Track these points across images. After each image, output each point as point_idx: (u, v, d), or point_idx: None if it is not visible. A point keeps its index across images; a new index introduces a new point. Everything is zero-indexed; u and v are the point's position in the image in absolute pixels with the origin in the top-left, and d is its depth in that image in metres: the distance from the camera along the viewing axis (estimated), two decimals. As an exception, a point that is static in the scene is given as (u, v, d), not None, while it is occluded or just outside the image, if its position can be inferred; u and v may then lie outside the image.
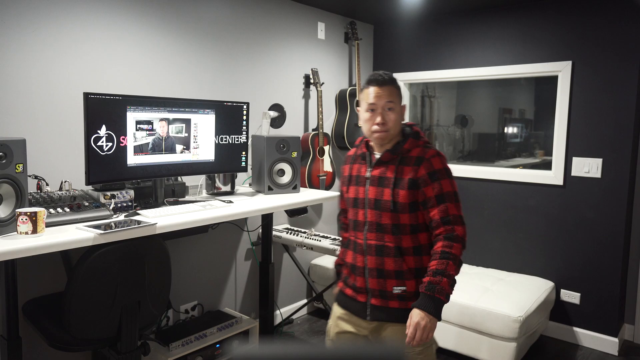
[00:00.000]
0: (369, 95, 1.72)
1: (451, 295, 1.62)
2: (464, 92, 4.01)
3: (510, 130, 3.80)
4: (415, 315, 1.58)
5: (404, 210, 1.67)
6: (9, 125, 2.14)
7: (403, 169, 1.69)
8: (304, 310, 3.73)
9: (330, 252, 2.94)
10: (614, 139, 3.11)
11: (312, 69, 3.53)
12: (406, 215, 1.67)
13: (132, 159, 2.22)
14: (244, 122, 2.70)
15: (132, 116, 2.19)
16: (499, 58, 3.54)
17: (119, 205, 2.17)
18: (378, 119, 1.70)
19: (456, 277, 1.64)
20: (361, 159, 1.81)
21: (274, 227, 3.23)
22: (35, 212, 1.69)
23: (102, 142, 2.09)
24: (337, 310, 1.86)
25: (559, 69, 3.26)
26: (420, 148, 1.72)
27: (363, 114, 1.75)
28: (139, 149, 2.24)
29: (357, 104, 1.80)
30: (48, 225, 1.81)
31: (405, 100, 4.13)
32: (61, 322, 1.84)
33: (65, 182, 2.16)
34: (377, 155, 1.76)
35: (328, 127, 3.79)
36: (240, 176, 3.13)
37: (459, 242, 1.65)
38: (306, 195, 2.72)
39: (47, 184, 2.14)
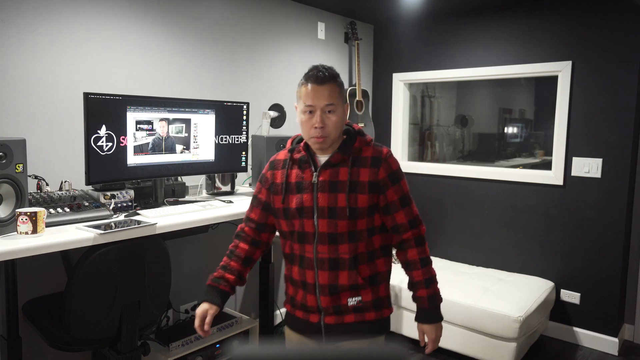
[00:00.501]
0: (307, 94, 1.52)
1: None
2: (464, 92, 4.01)
3: (510, 130, 3.80)
4: (431, 332, 1.61)
5: (363, 216, 1.53)
6: (9, 125, 2.14)
7: (358, 170, 1.54)
8: (304, 310, 3.73)
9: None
10: (614, 139, 3.11)
11: (312, 69, 3.52)
12: (364, 220, 1.54)
13: (132, 159, 2.22)
14: (244, 122, 2.70)
15: (132, 116, 2.19)
16: (499, 58, 3.54)
17: (119, 205, 2.17)
18: (317, 122, 1.51)
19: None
20: (302, 162, 1.59)
21: (274, 227, 3.22)
22: (35, 212, 1.69)
23: (102, 142, 2.09)
24: (291, 336, 1.72)
25: (559, 69, 3.26)
26: (371, 147, 1.58)
27: (300, 114, 1.56)
28: (139, 149, 2.24)
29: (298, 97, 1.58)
30: (48, 225, 1.81)
31: (406, 100, 4.13)
32: (61, 322, 1.84)
33: (65, 182, 2.16)
34: (322, 158, 1.58)
35: (328, 127, 3.78)
36: (240, 176, 3.13)
37: (426, 241, 1.64)
38: (306, 195, 2.72)
39: (47, 184, 2.14)
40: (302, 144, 1.61)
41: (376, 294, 1.59)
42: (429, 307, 1.59)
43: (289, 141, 1.68)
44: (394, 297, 3.20)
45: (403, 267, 1.64)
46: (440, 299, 1.62)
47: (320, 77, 1.52)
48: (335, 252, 1.54)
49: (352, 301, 1.56)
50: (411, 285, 1.63)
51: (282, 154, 1.67)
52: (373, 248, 1.59)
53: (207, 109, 2.51)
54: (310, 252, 1.56)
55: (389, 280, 1.65)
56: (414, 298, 1.63)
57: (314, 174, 1.56)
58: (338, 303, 1.56)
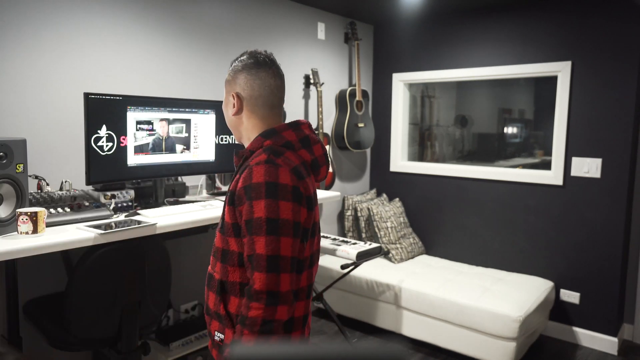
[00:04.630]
0: None
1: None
2: (464, 92, 4.02)
3: (509, 130, 3.81)
4: None
5: (229, 233, 1.25)
6: (9, 125, 2.14)
7: (238, 178, 1.27)
8: (304, 310, 3.73)
9: (330, 252, 2.95)
10: (613, 139, 3.11)
11: (312, 69, 3.53)
12: (233, 240, 1.25)
13: (133, 159, 2.22)
14: (244, 122, 2.70)
15: (133, 116, 2.19)
16: (498, 58, 3.54)
17: (119, 205, 2.17)
18: None
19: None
20: None
21: (274, 227, 3.22)
22: (36, 212, 1.69)
23: (103, 142, 2.09)
24: None
25: (559, 69, 3.26)
26: (261, 152, 1.26)
27: None
28: (139, 149, 2.24)
29: None
30: (48, 225, 1.81)
31: (405, 100, 4.13)
32: (62, 322, 1.84)
33: (65, 182, 2.16)
34: None
35: (328, 127, 3.79)
36: (240, 176, 3.12)
37: (263, 298, 1.15)
38: (306, 195, 2.72)
39: (47, 184, 2.15)
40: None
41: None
42: None
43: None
44: (393, 296, 3.20)
45: None
46: None
47: None
48: (213, 267, 1.32)
49: (217, 336, 1.28)
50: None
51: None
52: (248, 282, 1.24)
53: (208, 109, 2.51)
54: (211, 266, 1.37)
55: None
56: None
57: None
58: (209, 328, 1.32)
